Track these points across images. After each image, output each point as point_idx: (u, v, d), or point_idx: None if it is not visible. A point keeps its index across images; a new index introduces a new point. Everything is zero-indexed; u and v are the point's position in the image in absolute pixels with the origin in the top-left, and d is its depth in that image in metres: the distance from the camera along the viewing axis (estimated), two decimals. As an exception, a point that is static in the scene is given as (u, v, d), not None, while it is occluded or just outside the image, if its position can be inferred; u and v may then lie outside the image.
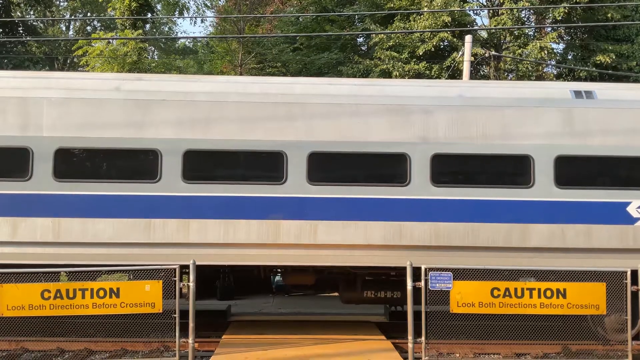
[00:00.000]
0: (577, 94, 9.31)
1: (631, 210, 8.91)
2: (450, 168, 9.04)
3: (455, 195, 8.84)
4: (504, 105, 9.12)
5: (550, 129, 9.04)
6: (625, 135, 9.06)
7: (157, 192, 8.71)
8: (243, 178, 8.87)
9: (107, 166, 8.97)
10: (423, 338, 7.91)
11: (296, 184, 8.77)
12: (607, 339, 8.95)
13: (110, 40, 24.26)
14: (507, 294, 7.90)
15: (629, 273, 8.12)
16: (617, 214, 8.89)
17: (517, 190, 8.91)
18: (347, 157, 8.93)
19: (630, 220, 8.90)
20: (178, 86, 9.15)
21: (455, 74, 21.67)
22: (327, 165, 8.94)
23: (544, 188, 8.89)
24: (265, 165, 8.95)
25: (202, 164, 8.90)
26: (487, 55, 21.82)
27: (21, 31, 33.38)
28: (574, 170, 9.04)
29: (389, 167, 9.01)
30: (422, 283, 7.85)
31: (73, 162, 8.89)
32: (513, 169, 9.09)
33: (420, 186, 8.83)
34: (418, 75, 22.73)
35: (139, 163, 8.90)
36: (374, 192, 8.82)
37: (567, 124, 9.07)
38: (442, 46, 23.93)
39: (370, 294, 9.56)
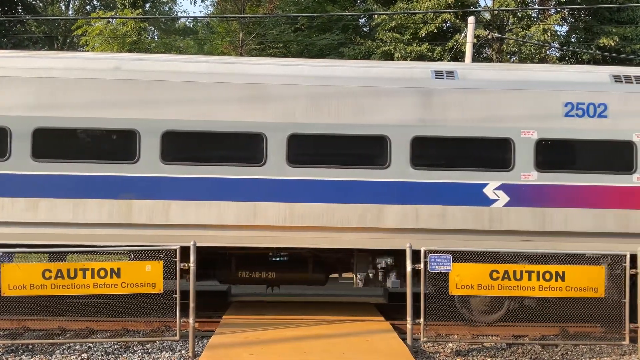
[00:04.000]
0: (438, 73, 9.19)
1: (488, 191, 8.85)
2: (307, 149, 8.96)
3: (312, 176, 8.82)
4: (361, 85, 9.00)
5: (408, 110, 8.93)
6: (483, 116, 8.94)
7: (6, 170, 8.67)
8: (94, 157, 8.79)
9: None
10: (422, 319, 7.95)
11: (149, 164, 8.73)
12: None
13: (110, 20, 24.07)
14: (505, 276, 7.92)
15: (627, 256, 8.11)
16: (474, 196, 8.84)
17: (373, 171, 8.87)
18: (202, 136, 8.86)
19: (487, 201, 8.85)
20: (26, 63, 9.04)
21: (458, 55, 21.51)
22: (181, 145, 8.87)
23: (399, 169, 8.84)
24: (118, 144, 8.86)
25: (52, 143, 8.81)
26: (490, 37, 21.63)
27: (20, 10, 33.09)
28: (430, 151, 8.98)
29: (245, 147, 8.94)
30: (422, 265, 7.87)
31: None
32: (370, 149, 9.01)
33: (276, 166, 8.80)
34: (420, 57, 22.55)
35: None
36: (229, 172, 8.80)
37: (426, 104, 8.94)
38: (444, 27, 23.72)
39: (244, 275, 9.56)
